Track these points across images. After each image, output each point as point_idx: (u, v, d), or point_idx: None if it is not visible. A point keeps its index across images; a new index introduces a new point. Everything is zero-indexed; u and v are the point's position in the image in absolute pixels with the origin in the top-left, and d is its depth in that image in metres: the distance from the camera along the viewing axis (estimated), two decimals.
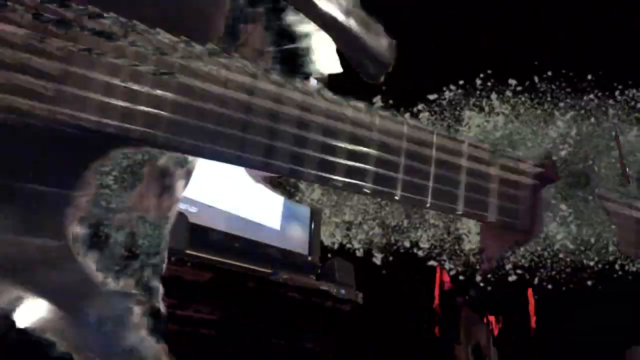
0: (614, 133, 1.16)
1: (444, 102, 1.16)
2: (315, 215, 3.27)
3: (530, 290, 3.05)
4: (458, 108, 1.14)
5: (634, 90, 1.20)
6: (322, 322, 3.00)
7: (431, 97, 1.16)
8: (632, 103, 1.19)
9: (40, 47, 0.73)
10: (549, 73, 1.30)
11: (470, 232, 1.10)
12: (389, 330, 3.75)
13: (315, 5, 0.95)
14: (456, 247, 1.13)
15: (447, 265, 1.15)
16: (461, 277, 1.14)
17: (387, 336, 3.73)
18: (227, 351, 2.57)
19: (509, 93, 1.18)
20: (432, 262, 1.16)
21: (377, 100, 0.97)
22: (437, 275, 3.19)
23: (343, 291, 2.99)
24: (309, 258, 3.19)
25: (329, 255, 3.78)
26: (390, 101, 0.98)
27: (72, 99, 0.74)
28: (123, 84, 0.76)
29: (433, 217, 1.14)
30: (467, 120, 1.11)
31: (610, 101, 1.19)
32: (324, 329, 3.03)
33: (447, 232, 1.13)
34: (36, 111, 0.73)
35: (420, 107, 1.10)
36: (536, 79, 1.29)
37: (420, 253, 1.16)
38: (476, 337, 3.05)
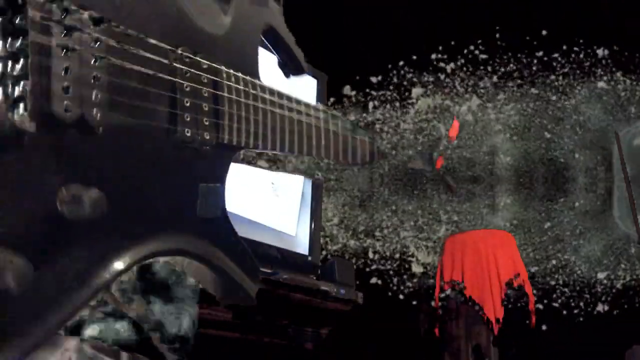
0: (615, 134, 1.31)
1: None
2: (315, 215, 3.27)
3: (530, 289, 3.06)
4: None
5: None
6: (322, 322, 3.00)
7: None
8: None
9: None
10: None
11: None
12: (388, 330, 3.75)
13: None
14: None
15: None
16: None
17: (387, 336, 3.73)
18: (227, 351, 2.57)
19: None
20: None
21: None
22: (437, 275, 3.19)
23: (343, 291, 2.98)
24: (309, 258, 3.19)
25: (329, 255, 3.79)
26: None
27: None
28: None
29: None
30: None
31: None
32: (324, 329, 3.03)
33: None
34: None
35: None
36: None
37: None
38: (476, 337, 3.05)
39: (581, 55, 4.19)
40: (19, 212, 0.78)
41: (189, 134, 0.99)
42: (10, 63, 0.77)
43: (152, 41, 0.95)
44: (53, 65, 0.80)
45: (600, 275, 4.10)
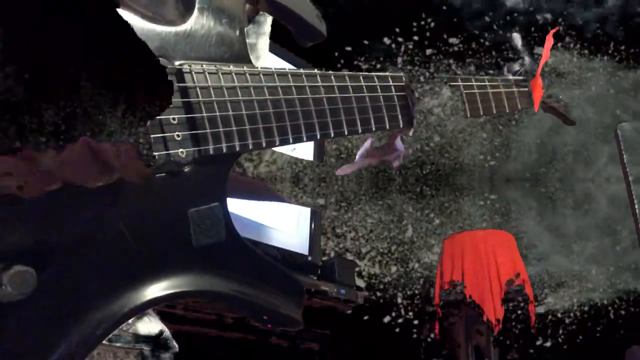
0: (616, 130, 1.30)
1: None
2: (315, 216, 3.27)
3: (530, 290, 3.05)
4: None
5: None
6: (322, 322, 3.00)
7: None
8: None
9: None
10: None
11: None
12: (388, 330, 3.75)
13: None
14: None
15: None
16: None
17: (386, 336, 3.73)
18: (227, 351, 2.57)
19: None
20: None
21: None
22: (437, 275, 3.19)
23: (343, 291, 2.98)
24: (309, 258, 3.18)
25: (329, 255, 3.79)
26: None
27: None
28: None
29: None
30: None
31: None
32: (324, 329, 3.03)
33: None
34: None
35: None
36: None
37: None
38: (476, 337, 3.05)
39: None
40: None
41: (155, 158, 0.81)
42: None
43: None
44: None
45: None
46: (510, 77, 1.30)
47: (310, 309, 2.89)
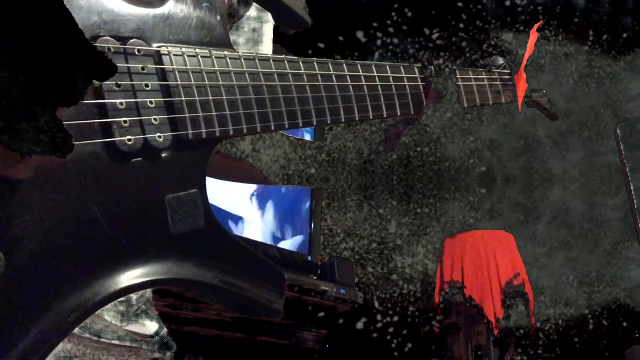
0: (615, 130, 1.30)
1: None
2: (315, 216, 3.26)
3: (530, 289, 3.04)
4: None
5: None
6: (322, 322, 2.99)
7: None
8: None
9: None
10: None
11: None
12: (388, 330, 3.73)
13: None
14: None
15: None
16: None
17: (386, 336, 3.71)
18: (227, 351, 2.56)
19: None
20: None
21: None
22: (438, 274, 3.18)
23: (343, 291, 2.97)
24: (309, 258, 3.18)
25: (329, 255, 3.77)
26: None
27: None
28: None
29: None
30: None
31: None
32: (324, 329, 3.02)
33: None
34: None
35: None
36: None
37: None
38: (476, 337, 3.03)
39: None
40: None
41: (131, 142, 0.80)
42: None
43: None
44: None
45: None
46: (494, 71, 1.30)
47: (311, 308, 2.88)
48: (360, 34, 3.85)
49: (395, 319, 3.75)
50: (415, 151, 4.03)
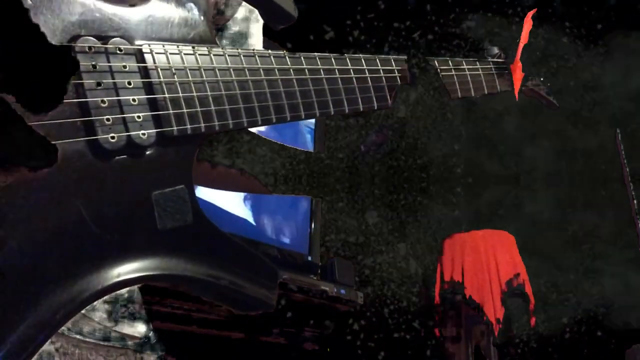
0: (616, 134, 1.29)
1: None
2: (315, 216, 3.26)
3: (530, 289, 3.03)
4: None
5: None
6: (322, 322, 2.99)
7: None
8: None
9: None
10: None
11: None
12: (389, 331, 3.73)
13: None
14: None
15: None
16: None
17: (387, 336, 3.71)
18: (227, 351, 2.56)
19: None
20: None
21: None
22: (437, 275, 3.17)
23: (343, 291, 2.97)
24: (309, 258, 3.18)
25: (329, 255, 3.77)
26: None
27: None
28: None
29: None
30: None
31: None
32: (324, 329, 3.02)
33: None
34: None
35: None
36: None
37: None
38: (476, 337, 3.03)
39: None
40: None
41: (114, 140, 0.80)
42: None
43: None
44: None
45: None
46: (490, 59, 1.29)
47: (311, 308, 2.88)
48: (355, 27, 3.84)
49: (395, 318, 3.75)
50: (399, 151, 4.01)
